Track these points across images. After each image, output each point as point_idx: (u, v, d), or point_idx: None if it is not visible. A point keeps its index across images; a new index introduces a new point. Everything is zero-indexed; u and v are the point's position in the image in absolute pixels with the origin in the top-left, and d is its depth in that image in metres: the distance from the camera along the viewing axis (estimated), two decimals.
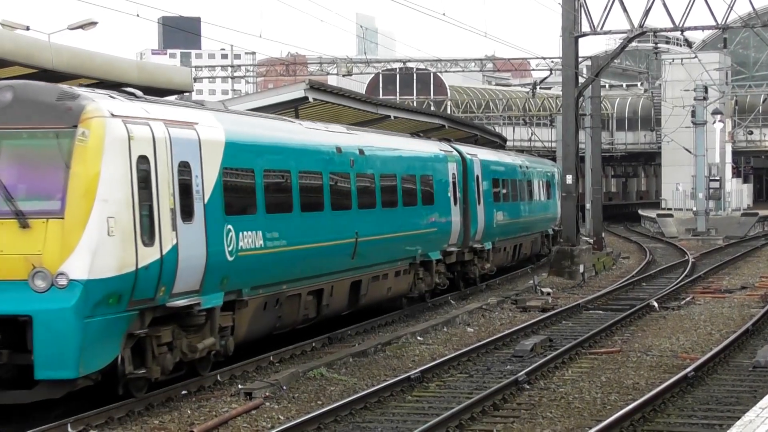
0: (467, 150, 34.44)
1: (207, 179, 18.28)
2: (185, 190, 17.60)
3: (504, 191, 38.41)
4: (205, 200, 18.15)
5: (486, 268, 35.59)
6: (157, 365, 17.25)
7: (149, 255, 16.46)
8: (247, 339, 20.34)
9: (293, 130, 22.81)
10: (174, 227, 17.09)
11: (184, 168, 17.65)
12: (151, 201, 16.67)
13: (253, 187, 20.00)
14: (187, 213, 17.60)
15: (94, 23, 35.41)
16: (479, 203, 34.16)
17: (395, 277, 27.47)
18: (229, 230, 18.89)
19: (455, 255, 32.02)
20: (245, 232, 19.44)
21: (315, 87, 30.28)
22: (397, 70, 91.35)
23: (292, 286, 21.57)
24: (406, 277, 28.33)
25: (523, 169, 42.46)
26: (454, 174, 31.82)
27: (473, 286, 34.90)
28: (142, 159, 16.58)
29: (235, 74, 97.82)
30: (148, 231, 16.49)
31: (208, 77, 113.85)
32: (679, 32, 43.42)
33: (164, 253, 16.82)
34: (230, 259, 18.81)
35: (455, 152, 32.84)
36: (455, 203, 31.58)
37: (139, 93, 18.01)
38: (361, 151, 25.33)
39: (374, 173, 25.90)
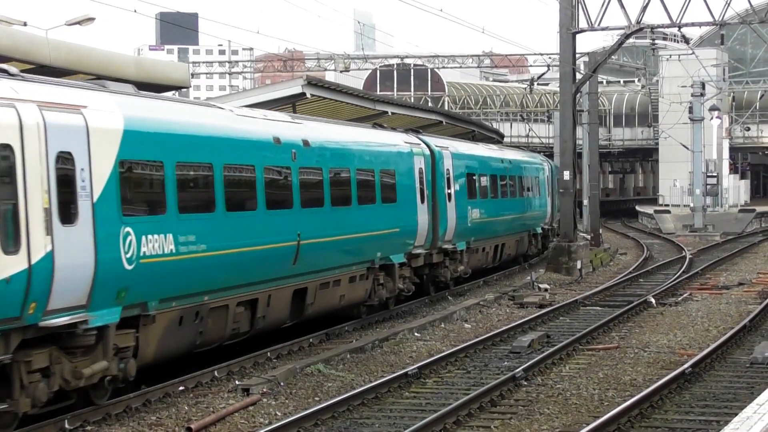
0: (437, 142, 31.96)
1: (97, 173, 15.58)
2: (66, 186, 14.90)
3: (482, 187, 36.12)
4: (95, 198, 15.50)
5: (459, 270, 32.98)
6: (26, 396, 14.55)
7: (11, 265, 13.81)
8: (158, 359, 17.78)
9: (219, 116, 20.07)
10: (49, 231, 14.42)
11: (65, 160, 14.94)
12: (15, 199, 13.99)
13: (161, 182, 17.33)
14: (68, 213, 14.91)
15: (91, 19, 35.39)
16: (450, 200, 31.70)
17: (350, 283, 24.89)
18: (128, 233, 16.23)
19: (423, 257, 29.72)
20: (150, 236, 16.75)
21: (312, 83, 30.26)
22: (395, 66, 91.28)
23: (216, 296, 19.01)
24: (364, 283, 25.82)
25: (506, 163, 40.09)
26: (421, 169, 29.34)
27: (444, 290, 32.37)
28: (3, 148, 13.96)
29: (233, 70, 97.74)
30: (10, 236, 13.86)
31: (206, 73, 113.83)
32: (677, 28, 43.36)
33: (33, 262, 14.12)
34: (129, 267, 16.18)
35: (423, 145, 30.30)
36: (422, 201, 29.13)
37: (13, 70, 15.27)
38: (306, 143, 22.60)
39: (322, 167, 23.18)
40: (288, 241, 21.39)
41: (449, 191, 31.74)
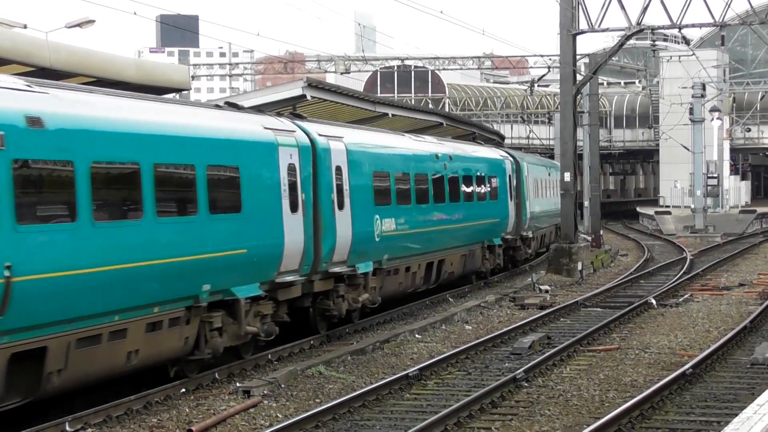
0: (324, 130, 24.18)
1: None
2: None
3: (402, 190, 28.14)
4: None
5: (362, 299, 25.21)
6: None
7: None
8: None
9: None
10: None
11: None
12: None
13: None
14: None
15: (91, 21, 35.38)
16: (342, 208, 24.04)
17: (148, 333, 17.24)
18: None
19: (300, 287, 22.42)
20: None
21: (313, 85, 30.25)
22: (395, 68, 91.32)
23: None
24: (179, 330, 18.13)
25: (442, 159, 31.53)
26: (291, 165, 21.80)
27: (343, 326, 25.20)
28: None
29: (233, 72, 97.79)
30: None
31: (206, 75, 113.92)
32: (677, 30, 43.39)
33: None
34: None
35: (298, 132, 22.70)
36: (293, 209, 21.59)
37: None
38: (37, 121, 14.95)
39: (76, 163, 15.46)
40: None
41: (340, 196, 24.25)
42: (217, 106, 21.72)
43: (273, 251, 20.90)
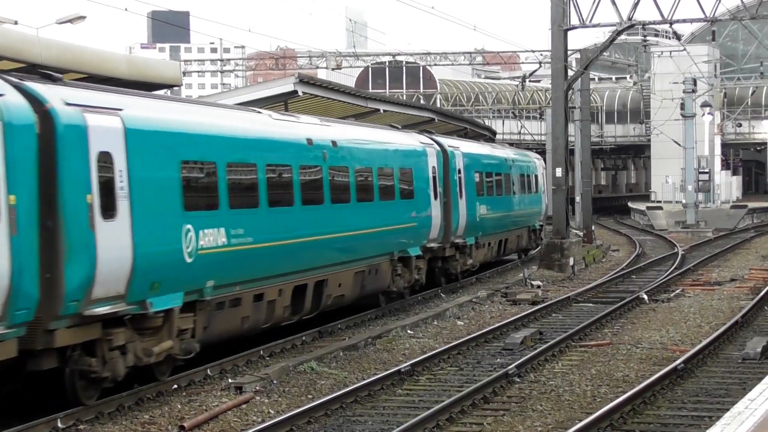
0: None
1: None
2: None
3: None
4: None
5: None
6: None
7: None
8: None
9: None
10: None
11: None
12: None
13: None
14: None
15: (82, 17, 35.41)
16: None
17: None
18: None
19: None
20: None
21: (304, 81, 30.24)
22: (387, 63, 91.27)
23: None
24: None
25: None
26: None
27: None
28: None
29: (225, 68, 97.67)
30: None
31: (198, 71, 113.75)
32: (668, 25, 43.41)
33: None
34: None
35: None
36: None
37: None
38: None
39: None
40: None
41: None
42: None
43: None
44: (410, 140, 30.47)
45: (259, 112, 22.78)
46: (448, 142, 33.50)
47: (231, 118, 20.95)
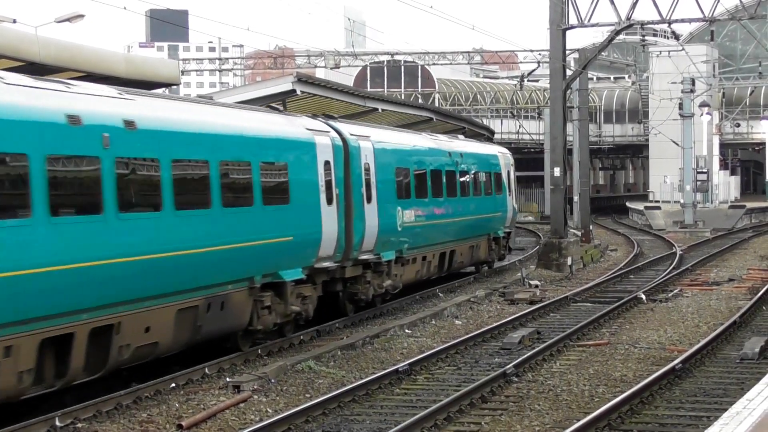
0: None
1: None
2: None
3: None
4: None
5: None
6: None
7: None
8: None
9: None
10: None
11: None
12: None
13: None
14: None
15: (81, 16, 35.39)
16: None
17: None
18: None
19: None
20: None
21: (303, 80, 30.21)
22: (385, 62, 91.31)
23: None
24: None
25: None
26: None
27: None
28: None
29: (223, 67, 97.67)
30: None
31: (196, 70, 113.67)
32: (667, 25, 43.43)
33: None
34: None
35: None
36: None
37: None
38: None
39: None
40: None
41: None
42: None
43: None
44: (289, 126, 23.28)
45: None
46: (353, 129, 26.64)
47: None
